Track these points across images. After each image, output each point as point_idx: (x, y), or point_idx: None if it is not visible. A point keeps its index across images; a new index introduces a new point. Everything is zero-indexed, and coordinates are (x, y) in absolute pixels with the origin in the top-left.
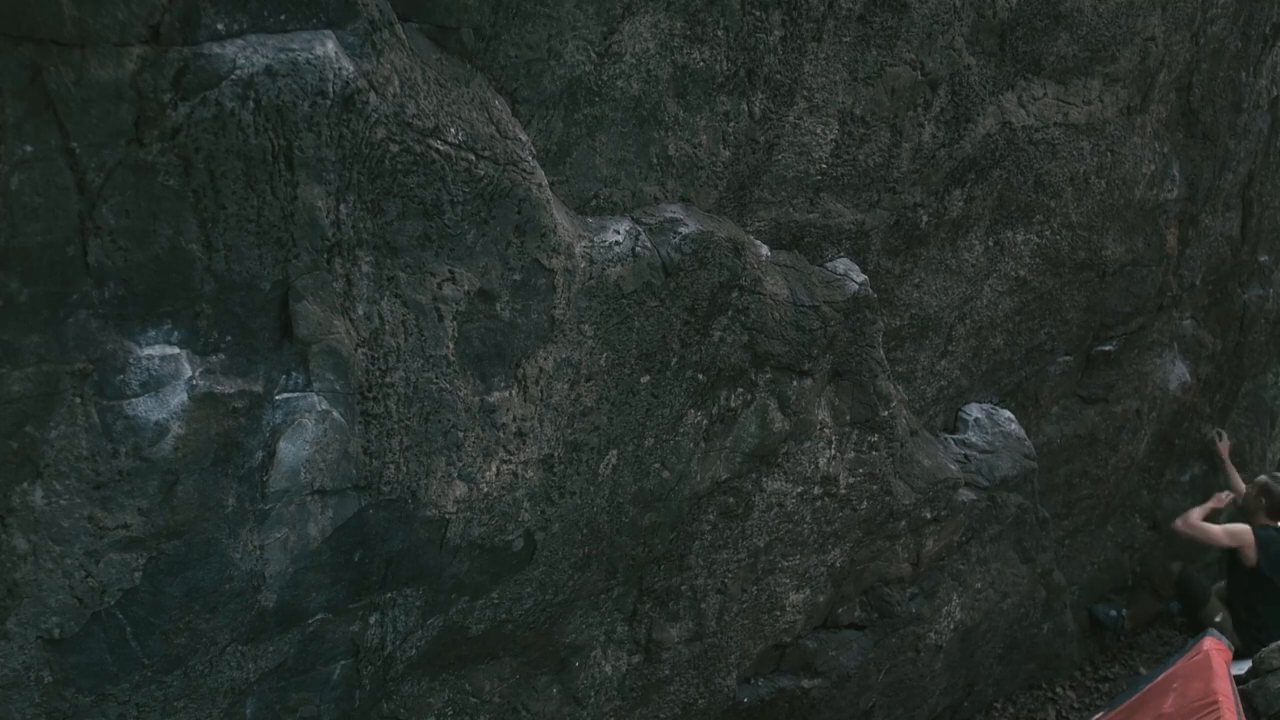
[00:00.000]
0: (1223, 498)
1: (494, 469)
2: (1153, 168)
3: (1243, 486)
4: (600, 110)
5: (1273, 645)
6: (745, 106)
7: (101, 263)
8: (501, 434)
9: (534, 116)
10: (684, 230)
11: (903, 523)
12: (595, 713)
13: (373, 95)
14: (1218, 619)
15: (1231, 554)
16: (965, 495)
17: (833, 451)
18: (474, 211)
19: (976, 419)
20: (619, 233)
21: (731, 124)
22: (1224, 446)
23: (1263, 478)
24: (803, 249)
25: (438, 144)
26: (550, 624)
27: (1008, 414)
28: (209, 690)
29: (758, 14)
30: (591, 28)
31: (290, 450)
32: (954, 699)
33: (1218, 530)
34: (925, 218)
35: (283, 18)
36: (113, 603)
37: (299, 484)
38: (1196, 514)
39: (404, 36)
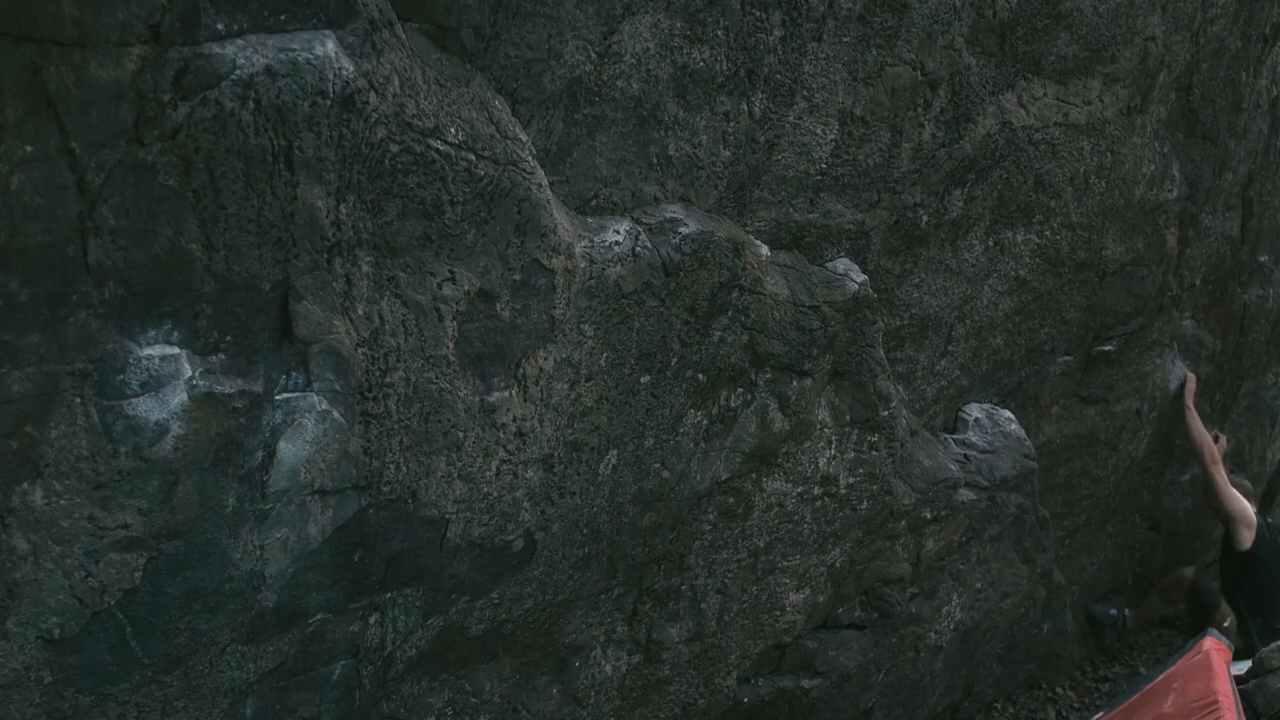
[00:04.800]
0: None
1: (494, 469)
2: (1153, 168)
3: (1207, 442)
4: (600, 110)
5: (1273, 645)
6: (745, 106)
7: (101, 263)
8: (501, 434)
9: (534, 116)
10: (684, 230)
11: (903, 523)
12: (595, 713)
13: (373, 95)
14: (1226, 624)
15: (1225, 538)
16: (965, 495)
17: (833, 451)
18: (474, 211)
19: (976, 419)
20: (619, 233)
21: (731, 124)
22: (1221, 444)
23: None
24: (803, 249)
25: (438, 144)
26: (550, 624)
27: (1008, 414)
28: (209, 690)
29: (758, 14)
30: (591, 28)
31: (290, 450)
32: (954, 699)
33: (1239, 501)
34: (925, 218)
35: (283, 18)
36: (113, 603)
37: (299, 484)
38: (1220, 466)
39: (404, 36)
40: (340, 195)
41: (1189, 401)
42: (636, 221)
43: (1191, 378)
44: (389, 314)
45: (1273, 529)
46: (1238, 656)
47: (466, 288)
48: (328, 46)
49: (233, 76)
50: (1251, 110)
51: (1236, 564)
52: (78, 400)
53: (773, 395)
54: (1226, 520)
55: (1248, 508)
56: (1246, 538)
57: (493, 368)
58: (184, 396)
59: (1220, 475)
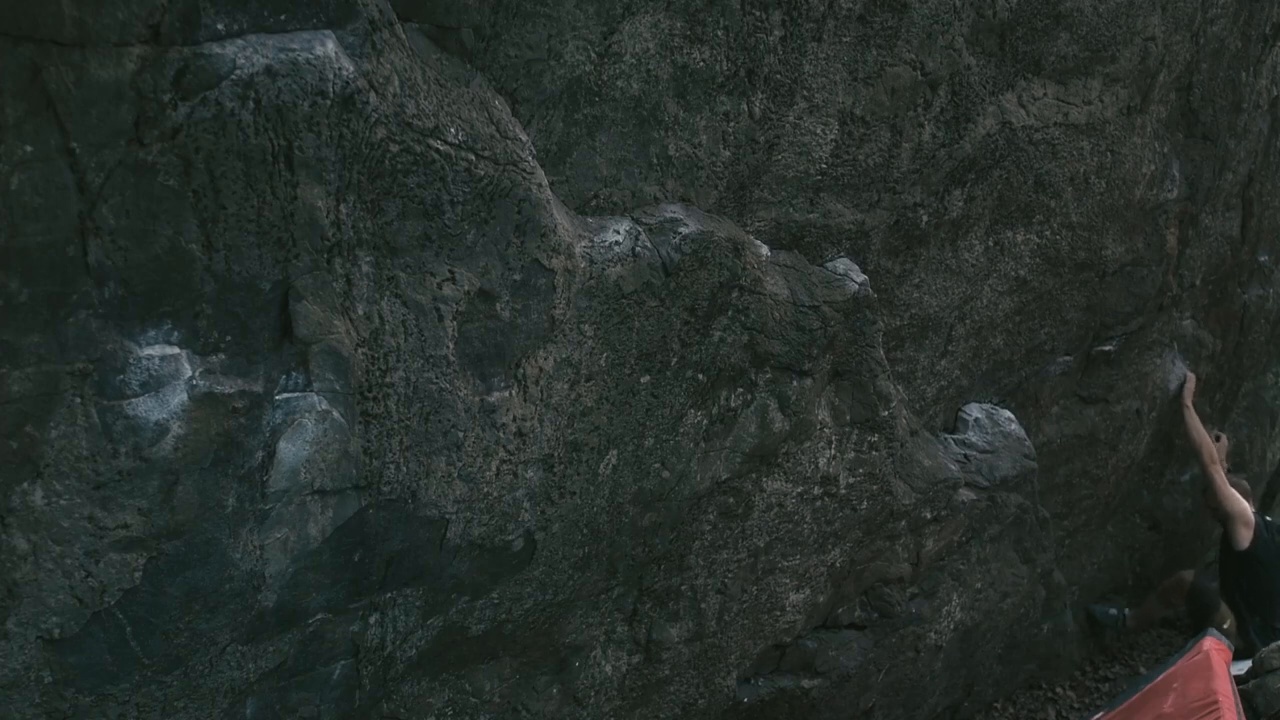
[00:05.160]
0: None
1: (494, 469)
2: (1153, 168)
3: (1206, 441)
4: (600, 110)
5: (1273, 645)
6: (745, 106)
7: (101, 263)
8: (501, 434)
9: (534, 116)
10: (684, 230)
11: (903, 523)
12: (595, 713)
13: (373, 95)
14: (1225, 626)
15: (1223, 538)
16: (965, 495)
17: (833, 451)
18: (474, 211)
19: (976, 419)
20: (619, 233)
21: (731, 124)
22: (1223, 444)
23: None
24: (803, 249)
25: (438, 144)
26: (550, 624)
27: (1008, 414)
28: (209, 690)
29: (758, 14)
30: (591, 28)
31: (290, 450)
32: (954, 699)
33: (1238, 500)
34: (925, 218)
35: (283, 18)
36: (113, 603)
37: (299, 484)
38: (1219, 466)
39: (404, 36)
40: (340, 195)
41: (1188, 401)
42: (636, 221)
43: (1191, 377)
44: (389, 314)
45: (1271, 528)
46: (1238, 656)
47: (466, 288)
48: (328, 46)
49: (233, 76)
50: (1251, 110)
51: (1235, 564)
52: (78, 400)
53: (773, 395)
54: (1225, 520)
55: (1246, 507)
56: (1245, 537)
57: (493, 368)
58: (184, 396)
59: (1219, 475)
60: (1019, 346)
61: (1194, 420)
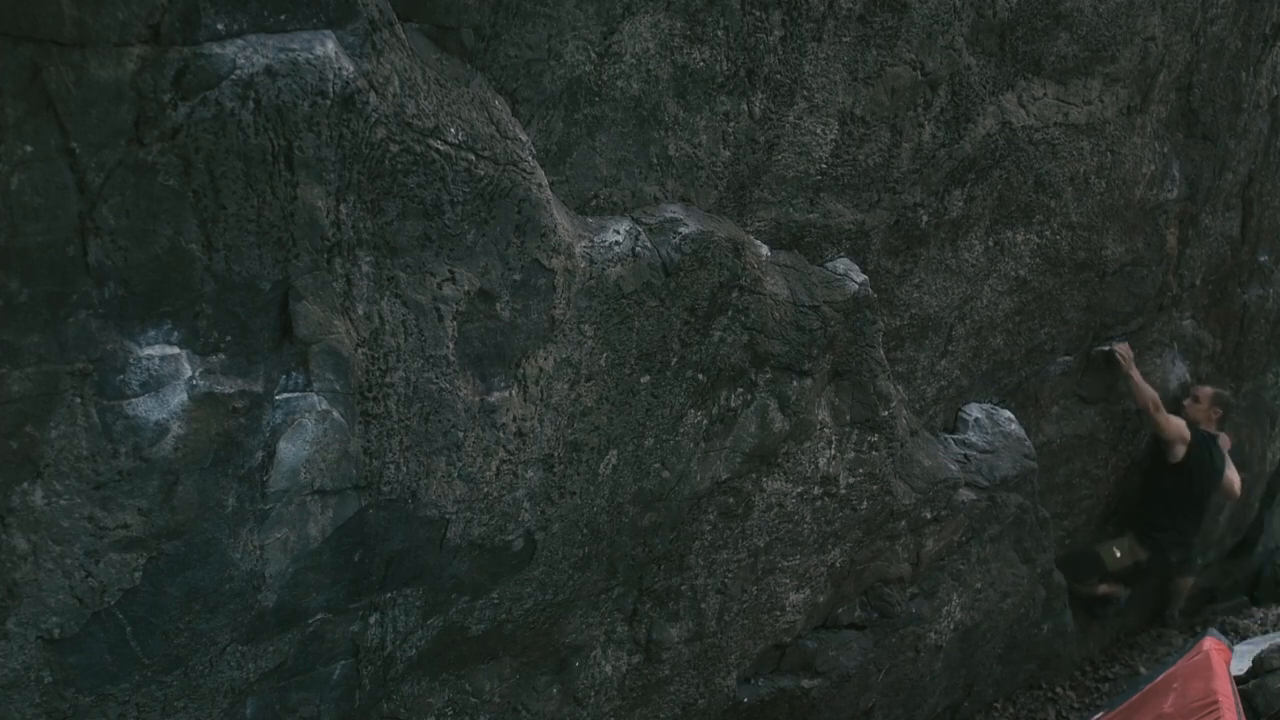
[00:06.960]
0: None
1: (494, 469)
2: (1153, 168)
3: (1149, 393)
4: (600, 110)
5: (1273, 645)
6: (745, 106)
7: (101, 263)
8: (501, 434)
9: (534, 116)
10: (684, 230)
11: (903, 523)
12: (595, 713)
13: (373, 95)
14: (1119, 554)
15: (1155, 452)
16: (965, 495)
17: (833, 451)
18: (474, 211)
19: (976, 419)
20: (619, 233)
21: (731, 124)
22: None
23: (1209, 388)
24: (803, 249)
25: (438, 144)
26: (550, 624)
27: (1008, 414)
28: (209, 690)
29: (758, 14)
30: (591, 28)
31: (290, 450)
32: (954, 699)
33: (1174, 422)
34: (925, 218)
35: (283, 18)
36: (113, 603)
37: (299, 484)
38: (1147, 387)
39: (404, 36)
40: (340, 195)
41: (1132, 371)
42: (636, 221)
43: (1123, 347)
44: (389, 314)
45: (1206, 440)
46: (1144, 565)
47: (466, 288)
48: (328, 46)
49: (233, 76)
50: (1251, 110)
51: (1171, 476)
52: (78, 400)
53: (773, 395)
54: (1169, 443)
55: (1183, 427)
56: (1178, 453)
57: (493, 368)
58: (184, 396)
59: (1164, 417)
60: (1019, 346)
61: (1137, 382)
